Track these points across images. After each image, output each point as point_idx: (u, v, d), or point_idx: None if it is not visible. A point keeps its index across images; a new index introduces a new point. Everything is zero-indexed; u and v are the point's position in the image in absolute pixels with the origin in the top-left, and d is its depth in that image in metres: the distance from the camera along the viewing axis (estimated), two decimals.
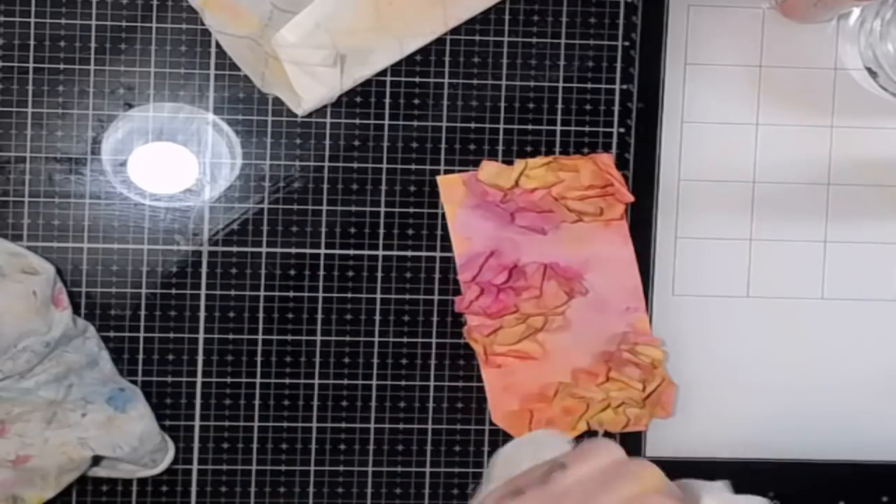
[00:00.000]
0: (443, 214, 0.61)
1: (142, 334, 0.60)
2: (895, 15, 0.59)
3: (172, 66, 0.59)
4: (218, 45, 0.59)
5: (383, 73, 0.60)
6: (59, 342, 0.56)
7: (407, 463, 0.61)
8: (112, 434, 0.57)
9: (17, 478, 0.56)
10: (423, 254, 0.61)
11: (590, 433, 0.61)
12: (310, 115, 0.59)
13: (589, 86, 0.61)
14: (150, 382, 0.59)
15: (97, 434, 0.56)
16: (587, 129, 0.61)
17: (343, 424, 0.61)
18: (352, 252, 0.61)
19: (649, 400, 0.61)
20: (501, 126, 0.61)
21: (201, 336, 0.60)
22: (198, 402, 0.60)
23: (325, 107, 0.59)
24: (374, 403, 0.61)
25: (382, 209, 0.60)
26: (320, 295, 0.60)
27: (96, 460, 0.57)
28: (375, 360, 0.61)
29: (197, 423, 0.60)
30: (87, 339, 0.58)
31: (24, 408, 0.56)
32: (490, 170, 0.59)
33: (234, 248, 0.60)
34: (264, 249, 0.60)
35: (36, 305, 0.55)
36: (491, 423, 0.61)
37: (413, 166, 0.60)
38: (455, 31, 0.60)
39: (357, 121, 0.60)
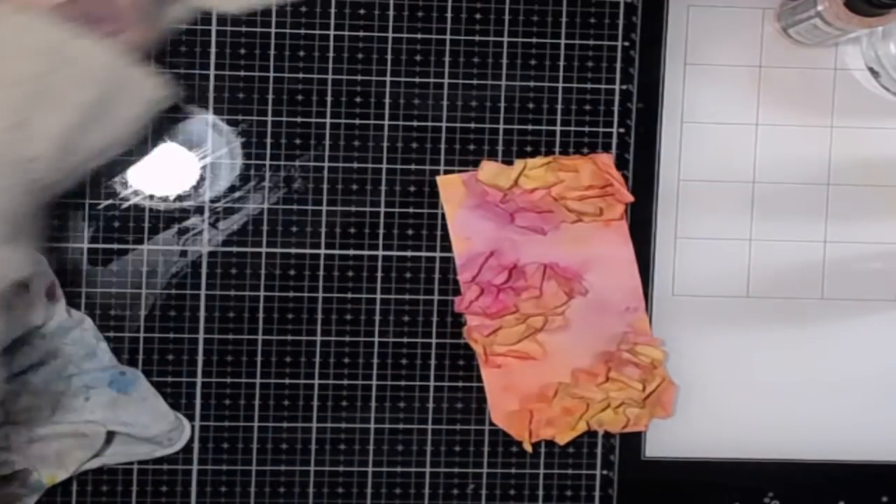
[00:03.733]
0: (443, 214, 0.60)
1: (142, 334, 0.60)
2: None
3: (172, 66, 0.59)
4: (218, 45, 0.59)
5: (383, 72, 0.60)
6: (55, 334, 0.56)
7: (407, 463, 0.61)
8: (118, 413, 0.57)
9: (33, 456, 0.56)
10: (423, 254, 0.61)
11: (590, 433, 0.61)
12: (309, 115, 0.59)
13: (589, 86, 0.61)
14: (151, 382, 0.59)
15: (103, 415, 0.57)
16: (587, 129, 0.61)
17: (343, 424, 0.61)
18: (352, 252, 0.60)
19: (649, 400, 0.61)
20: (501, 126, 0.61)
21: (201, 336, 0.60)
22: (198, 402, 0.60)
23: (324, 106, 0.59)
24: (374, 403, 0.61)
25: (382, 209, 0.60)
26: (320, 295, 0.60)
27: (109, 437, 0.58)
28: (375, 360, 0.61)
29: (197, 423, 0.60)
30: (83, 330, 0.58)
31: (28, 399, 0.56)
32: (490, 170, 0.59)
33: (234, 249, 0.60)
34: (264, 250, 0.60)
35: (29, 298, 0.55)
36: (491, 423, 0.61)
37: (413, 166, 0.60)
38: (455, 31, 0.60)
39: (357, 121, 0.60)
